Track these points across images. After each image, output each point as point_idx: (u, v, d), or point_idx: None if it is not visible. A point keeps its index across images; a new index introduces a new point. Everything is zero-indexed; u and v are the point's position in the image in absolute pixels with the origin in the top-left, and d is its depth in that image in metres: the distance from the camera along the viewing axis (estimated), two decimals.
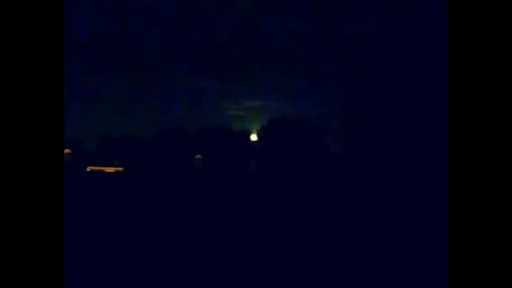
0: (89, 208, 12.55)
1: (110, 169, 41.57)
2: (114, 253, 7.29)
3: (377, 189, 20.81)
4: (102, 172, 37.37)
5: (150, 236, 9.07)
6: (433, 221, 10.38)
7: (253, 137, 49.03)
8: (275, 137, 46.95)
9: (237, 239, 8.81)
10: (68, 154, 13.03)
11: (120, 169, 42.51)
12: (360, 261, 6.97)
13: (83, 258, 6.43)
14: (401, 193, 18.62)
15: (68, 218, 4.21)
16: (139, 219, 11.60)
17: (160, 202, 15.62)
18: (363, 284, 5.88)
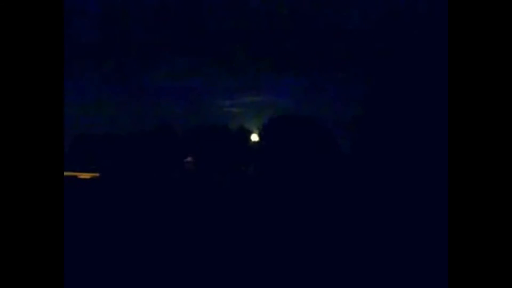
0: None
1: (85, 175, 39.02)
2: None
3: (392, 193, 19.67)
4: (75, 178, 35.08)
5: (129, 259, 8.58)
6: (437, 220, 10.63)
7: (254, 137, 45.60)
8: (279, 137, 43.56)
9: (234, 257, 8.65)
10: None
11: (97, 174, 39.63)
12: (369, 263, 7.21)
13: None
14: (415, 196, 18.31)
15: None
16: (116, 238, 10.53)
17: (142, 216, 14.35)
18: (364, 283, 6.18)
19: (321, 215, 14.01)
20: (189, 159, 34.96)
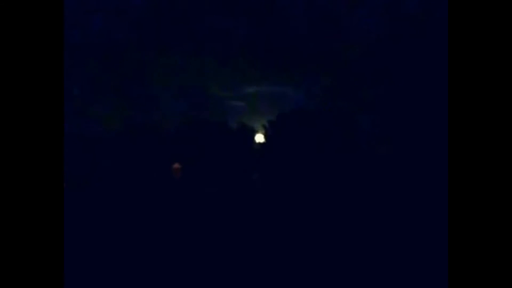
0: None
1: None
2: None
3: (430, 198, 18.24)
4: None
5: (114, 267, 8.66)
6: (439, 221, 10.64)
7: (259, 138, 39.83)
8: (290, 138, 37.06)
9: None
10: None
11: None
12: (369, 263, 8.00)
13: None
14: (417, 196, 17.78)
15: None
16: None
17: (116, 232, 12.78)
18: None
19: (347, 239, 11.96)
20: (176, 165, 27.47)
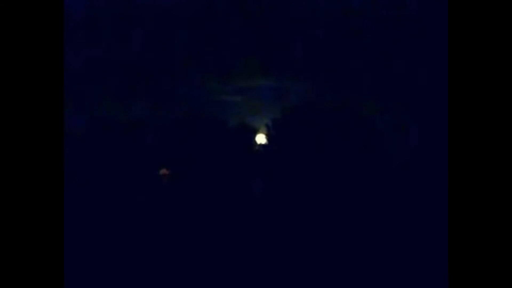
0: None
1: None
2: None
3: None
4: None
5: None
6: (438, 221, 10.69)
7: (260, 139, 33.37)
8: (296, 137, 30.20)
9: None
10: None
11: None
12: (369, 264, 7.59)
13: None
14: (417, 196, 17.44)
15: None
16: None
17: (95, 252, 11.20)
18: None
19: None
20: (163, 171, 21.62)
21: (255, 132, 32.77)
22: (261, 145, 32.45)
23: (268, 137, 32.26)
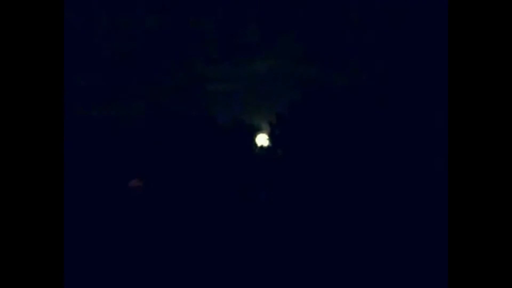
0: None
1: None
2: None
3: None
4: None
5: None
6: (437, 221, 10.76)
7: (261, 139, 27.55)
8: (306, 136, 24.81)
9: None
10: None
11: None
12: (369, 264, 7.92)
13: None
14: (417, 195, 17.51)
15: None
16: None
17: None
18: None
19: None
20: (134, 182, 21.20)
21: (254, 131, 27.54)
22: (263, 146, 27.42)
23: (271, 137, 27.21)
